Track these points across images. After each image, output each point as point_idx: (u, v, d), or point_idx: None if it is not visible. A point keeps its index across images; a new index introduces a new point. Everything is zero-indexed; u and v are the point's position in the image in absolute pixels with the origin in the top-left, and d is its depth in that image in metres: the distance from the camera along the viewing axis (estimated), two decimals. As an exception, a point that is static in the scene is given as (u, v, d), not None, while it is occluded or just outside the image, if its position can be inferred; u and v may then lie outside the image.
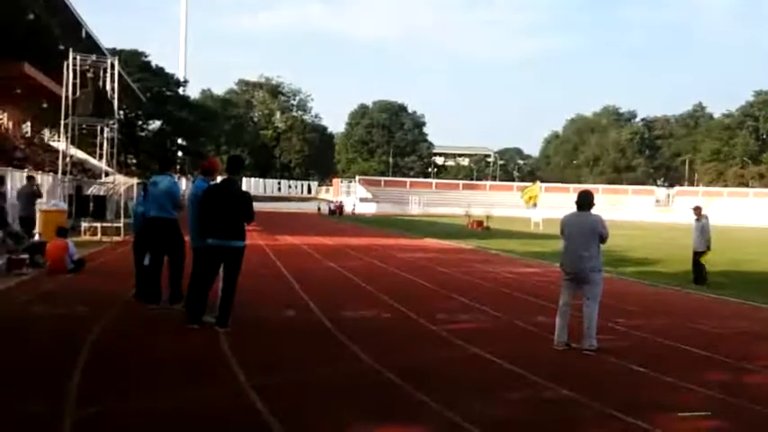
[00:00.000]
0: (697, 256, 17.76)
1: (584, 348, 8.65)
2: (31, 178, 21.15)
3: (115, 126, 32.13)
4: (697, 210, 18.24)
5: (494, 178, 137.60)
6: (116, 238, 23.57)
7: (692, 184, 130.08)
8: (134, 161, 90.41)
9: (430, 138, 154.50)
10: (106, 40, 38.64)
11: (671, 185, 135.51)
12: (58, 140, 38.76)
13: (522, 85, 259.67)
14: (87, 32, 33.71)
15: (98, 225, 24.83)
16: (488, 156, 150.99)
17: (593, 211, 9.07)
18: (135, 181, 31.24)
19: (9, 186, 19.75)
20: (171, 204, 10.30)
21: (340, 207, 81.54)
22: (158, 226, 10.33)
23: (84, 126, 32.99)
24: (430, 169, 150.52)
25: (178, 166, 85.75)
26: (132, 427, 5.22)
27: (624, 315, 11.82)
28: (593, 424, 5.82)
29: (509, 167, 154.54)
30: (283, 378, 6.77)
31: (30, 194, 19.51)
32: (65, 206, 23.09)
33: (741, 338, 10.27)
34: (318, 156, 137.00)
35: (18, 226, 18.07)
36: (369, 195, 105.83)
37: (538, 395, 6.68)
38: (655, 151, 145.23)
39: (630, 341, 9.70)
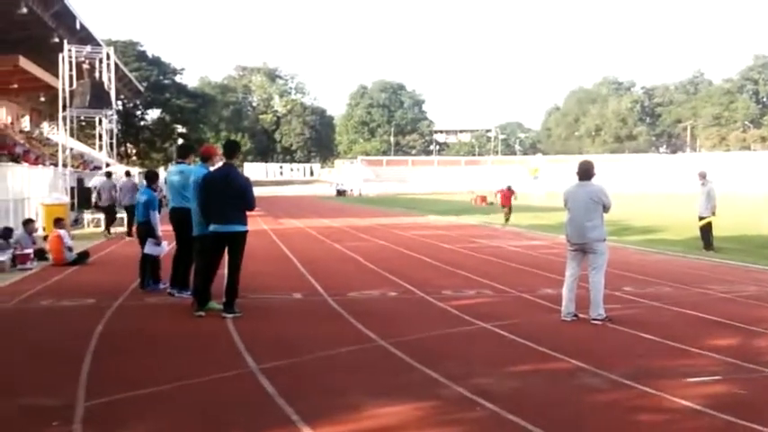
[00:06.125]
0: (702, 221, 17.70)
1: (593, 318, 8.64)
2: (109, 174, 23.64)
3: (114, 117, 32.10)
4: (702, 175, 18.16)
5: (496, 153, 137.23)
6: (120, 229, 23.55)
7: (693, 150, 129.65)
8: (134, 151, 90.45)
9: (430, 116, 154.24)
10: (101, 31, 38.46)
11: (673, 152, 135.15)
12: (58, 133, 38.67)
13: (521, 58, 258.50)
14: (81, 24, 33.53)
15: (101, 216, 24.82)
16: (489, 131, 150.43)
17: (594, 180, 9.05)
18: (137, 171, 31.21)
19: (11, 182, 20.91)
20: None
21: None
22: (180, 215, 10.14)
23: (82, 118, 32.97)
24: (432, 147, 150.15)
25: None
26: (143, 415, 5.22)
27: (631, 283, 11.83)
28: (603, 392, 5.81)
29: (510, 142, 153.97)
30: (293, 360, 6.76)
31: (132, 187, 21.70)
32: (66, 199, 23.15)
33: (749, 303, 10.25)
34: (319, 138, 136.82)
35: (125, 213, 22.46)
36: (372, 176, 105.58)
37: (547, 366, 6.68)
38: (655, 119, 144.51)
39: (638, 309, 9.69)
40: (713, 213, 17.62)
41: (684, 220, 24.36)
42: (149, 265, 11.24)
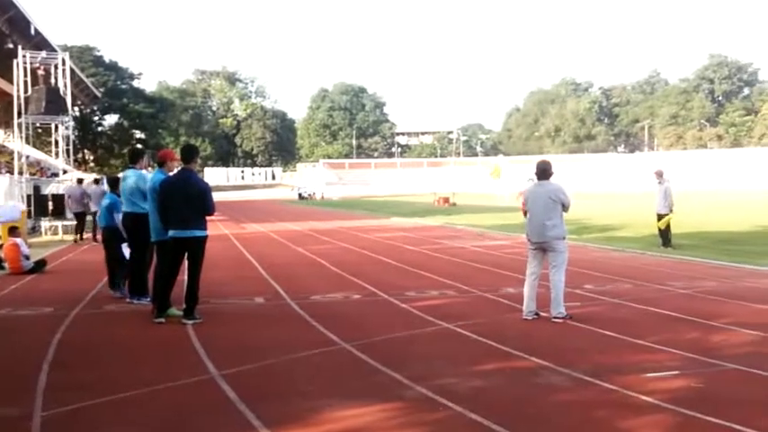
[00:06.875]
0: (660, 219, 17.92)
1: (553, 316, 8.70)
2: (80, 180, 24.05)
3: (70, 123, 31.62)
4: (659, 173, 18.39)
5: (458, 155, 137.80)
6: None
7: (651, 149, 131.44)
8: (92, 157, 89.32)
9: (392, 118, 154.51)
10: (56, 37, 37.94)
11: (631, 151, 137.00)
12: (13, 141, 38.02)
13: (482, 60, 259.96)
14: (36, 29, 33.03)
15: (59, 224, 24.46)
16: (451, 133, 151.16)
17: (553, 179, 9.13)
18: (95, 177, 30.80)
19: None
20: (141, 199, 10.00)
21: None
22: (129, 221, 10.19)
23: (38, 124, 32.42)
24: (394, 149, 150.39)
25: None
26: (102, 424, 5.14)
27: (591, 281, 11.95)
28: (565, 390, 5.85)
29: (472, 143, 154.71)
30: (255, 365, 6.71)
31: (101, 193, 21.22)
32: (23, 207, 22.74)
33: (707, 298, 10.41)
34: (281, 142, 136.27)
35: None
36: (334, 179, 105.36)
37: (510, 365, 6.70)
38: (613, 119, 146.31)
39: (599, 306, 9.79)
40: (671, 210, 17.85)
41: (643, 218, 24.66)
42: (120, 269, 11.10)
